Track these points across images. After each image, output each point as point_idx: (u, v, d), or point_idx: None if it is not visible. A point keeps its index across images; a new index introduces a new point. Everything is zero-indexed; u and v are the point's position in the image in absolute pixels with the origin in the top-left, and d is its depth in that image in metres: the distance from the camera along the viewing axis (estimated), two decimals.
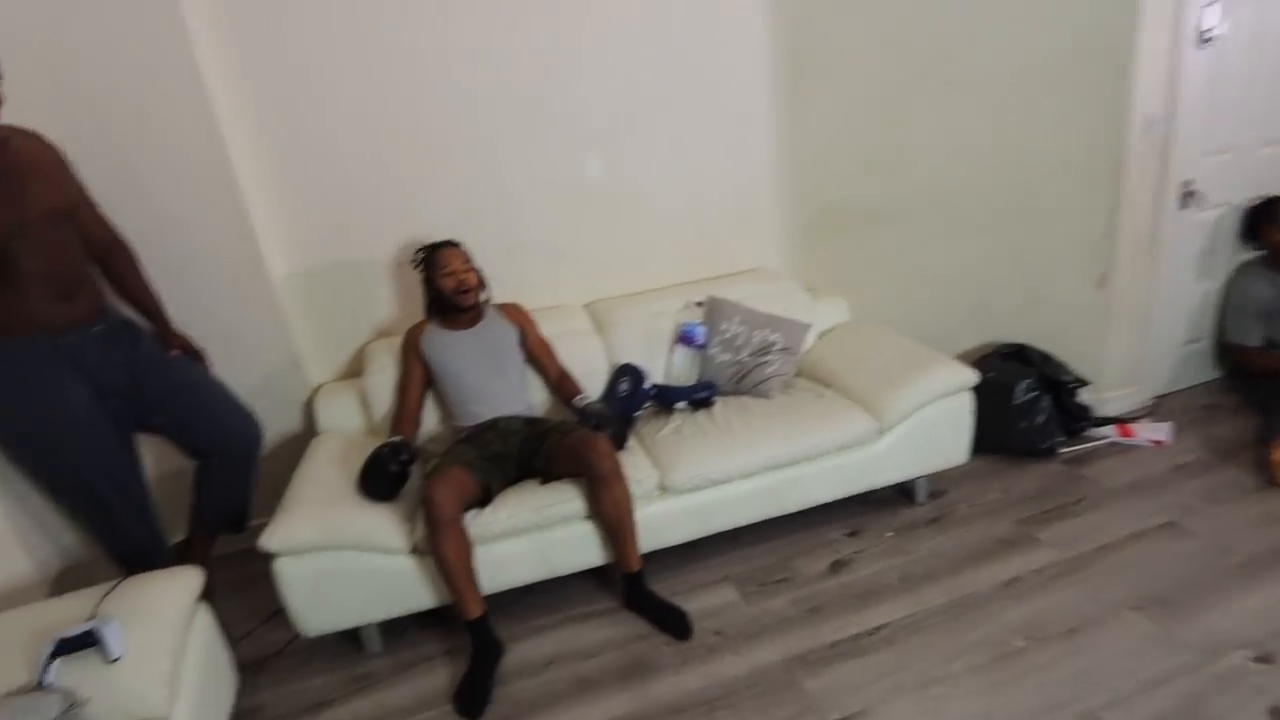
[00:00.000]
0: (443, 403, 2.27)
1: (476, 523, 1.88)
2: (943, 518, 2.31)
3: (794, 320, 2.54)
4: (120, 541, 1.90)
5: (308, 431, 2.47)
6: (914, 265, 2.90)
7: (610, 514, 1.91)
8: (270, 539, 1.74)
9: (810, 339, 2.59)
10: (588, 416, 2.09)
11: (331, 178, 2.35)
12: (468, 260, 2.23)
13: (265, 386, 2.38)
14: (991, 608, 1.89)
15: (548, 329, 2.41)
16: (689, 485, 2.04)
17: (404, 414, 2.18)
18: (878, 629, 1.86)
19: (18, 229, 1.61)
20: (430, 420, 2.30)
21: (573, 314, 2.61)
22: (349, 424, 2.35)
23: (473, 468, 1.92)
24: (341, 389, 2.42)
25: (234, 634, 2.02)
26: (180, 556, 2.10)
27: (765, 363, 2.43)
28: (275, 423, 2.44)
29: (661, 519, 2.05)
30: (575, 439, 1.95)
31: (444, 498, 1.78)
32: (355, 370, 2.54)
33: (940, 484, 2.44)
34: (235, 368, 2.24)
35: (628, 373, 2.37)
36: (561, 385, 2.29)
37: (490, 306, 2.32)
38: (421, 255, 2.25)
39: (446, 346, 2.21)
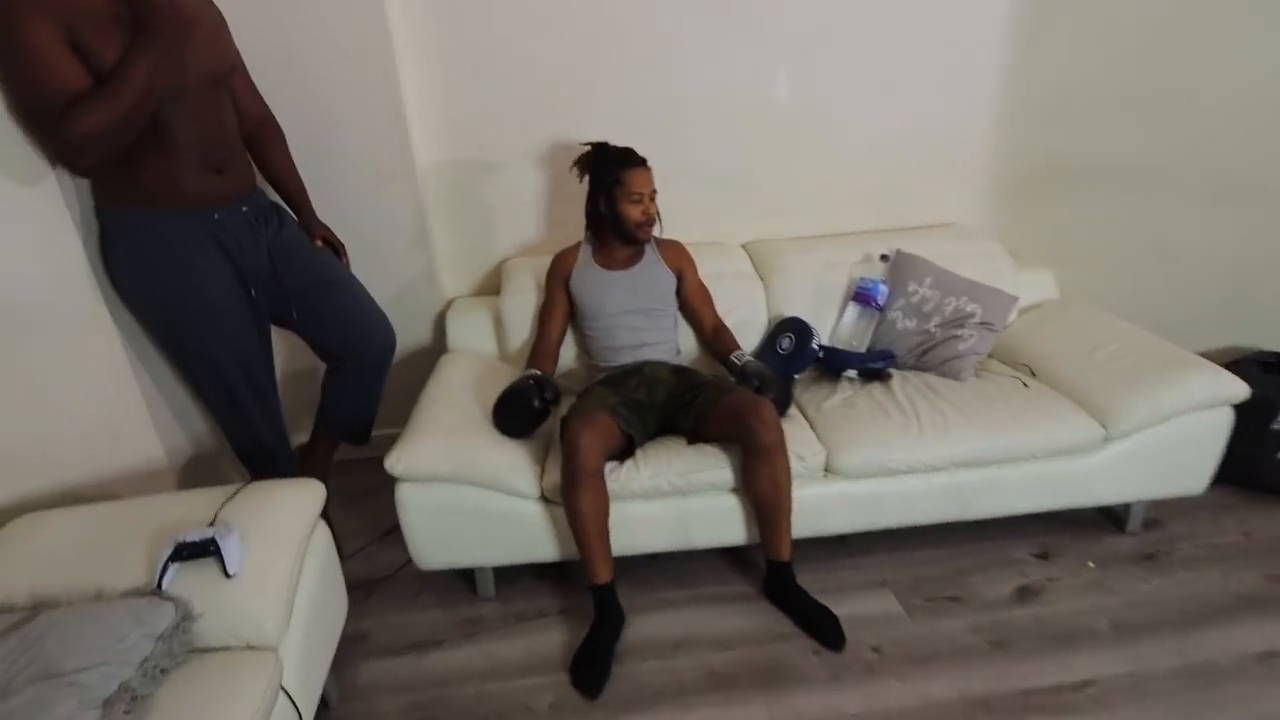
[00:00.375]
0: (583, 340, 2.04)
1: (615, 477, 1.65)
2: (1159, 555, 1.88)
3: (998, 290, 2.12)
4: (244, 435, 1.81)
5: (438, 345, 2.32)
6: (1151, 239, 2.36)
7: (767, 492, 1.63)
8: (397, 462, 1.58)
9: (1013, 315, 2.16)
10: (748, 376, 1.79)
11: (492, 71, 2.10)
12: (655, 190, 1.92)
13: (399, 293, 2.23)
14: (1240, 687, 1.49)
15: (702, 268, 2.12)
16: (861, 470, 1.72)
17: (543, 349, 1.97)
18: (1084, 684, 1.51)
19: (176, 91, 1.45)
20: (566, 355, 2.09)
21: (731, 254, 2.29)
22: (481, 345, 2.17)
23: (617, 415, 1.69)
24: (476, 306, 2.24)
25: (346, 549, 1.93)
26: (302, 459, 2.02)
27: (957, 337, 2.04)
28: (406, 333, 2.28)
29: (819, 504, 1.75)
30: (736, 401, 1.67)
31: (589, 445, 1.56)
32: (492, 287, 2.36)
33: (1157, 512, 2.00)
34: (371, 270, 2.07)
35: (792, 327, 2.05)
36: (717, 337, 2.00)
37: (651, 243, 2.03)
38: (592, 162, 1.92)
39: (599, 287, 1.95)
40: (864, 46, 2.20)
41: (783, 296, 2.18)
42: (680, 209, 2.27)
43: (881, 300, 2.13)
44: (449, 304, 2.32)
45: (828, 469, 1.74)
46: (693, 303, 2.03)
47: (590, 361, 2.01)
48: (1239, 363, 2.18)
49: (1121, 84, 2.23)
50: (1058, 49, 2.22)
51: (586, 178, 1.94)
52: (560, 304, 1.99)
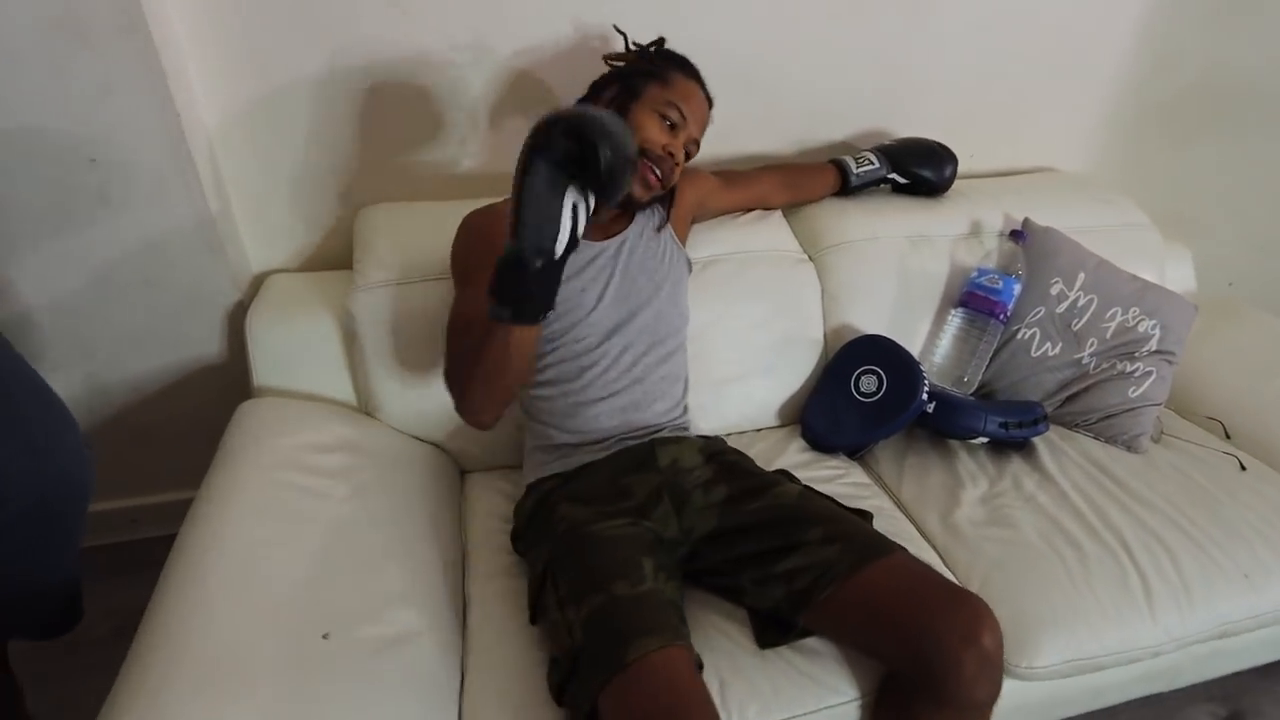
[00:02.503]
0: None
1: None
2: None
3: (1173, 295, 1.35)
4: None
5: (234, 369, 1.28)
6: None
7: None
8: None
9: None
10: None
11: None
12: (699, 140, 1.07)
13: (145, 266, 1.16)
14: None
15: (705, 237, 1.23)
16: (1054, 673, 0.94)
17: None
18: None
19: None
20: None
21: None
22: (317, 374, 1.16)
23: (680, 632, 0.79)
24: (305, 295, 1.21)
25: None
26: None
27: (1127, 375, 1.27)
28: (170, 346, 1.25)
29: None
30: (913, 587, 0.82)
31: None
32: (335, 255, 1.31)
33: None
34: (75, 238, 1.00)
35: (879, 359, 1.19)
36: (798, 183, 1.35)
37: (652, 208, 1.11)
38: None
39: (570, 273, 0.99)
40: None
41: (846, 293, 1.30)
42: None
43: (1011, 308, 1.30)
44: (256, 287, 1.27)
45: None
46: (737, 203, 1.30)
47: (543, 431, 1.05)
48: None
49: None
50: None
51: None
52: None
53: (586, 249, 1.01)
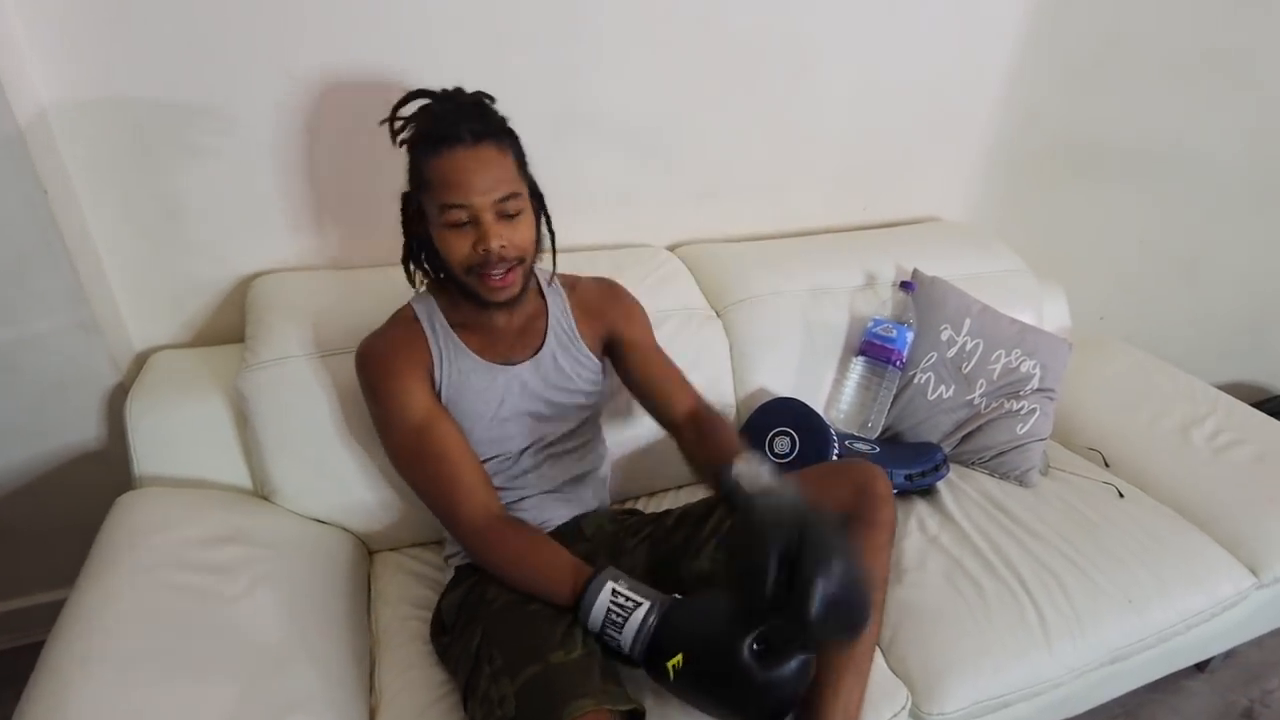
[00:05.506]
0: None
1: None
2: (1255, 711, 1.39)
3: (1050, 336, 1.46)
4: None
5: (114, 454, 1.18)
6: (1176, 248, 1.84)
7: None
8: None
9: None
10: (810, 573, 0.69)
11: None
12: (510, 179, 0.87)
13: (5, 351, 1.07)
14: None
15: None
16: (966, 713, 0.97)
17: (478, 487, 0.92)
18: None
19: None
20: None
21: (658, 266, 1.39)
22: (203, 460, 1.08)
23: (608, 689, 0.76)
24: (192, 372, 1.14)
25: None
26: None
27: (1014, 413, 1.35)
28: (33, 437, 1.16)
29: None
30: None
31: None
32: (225, 328, 1.25)
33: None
34: None
35: (789, 420, 1.23)
36: (700, 433, 0.98)
37: (554, 288, 1.05)
38: (395, 133, 0.90)
39: (481, 392, 0.96)
40: None
41: (751, 349, 1.33)
42: (573, 183, 1.33)
43: (906, 355, 1.37)
44: (139, 366, 1.19)
45: (914, 715, 0.97)
46: (651, 380, 1.06)
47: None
48: None
49: (1169, 46, 1.62)
50: None
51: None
52: (441, 416, 0.94)
53: (506, 377, 0.98)
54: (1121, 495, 1.28)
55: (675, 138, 1.41)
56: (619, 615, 0.77)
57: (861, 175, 1.64)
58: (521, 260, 0.89)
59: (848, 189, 1.65)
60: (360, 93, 1.14)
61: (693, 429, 0.99)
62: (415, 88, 0.90)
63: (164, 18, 1.02)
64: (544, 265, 1.00)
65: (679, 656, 0.72)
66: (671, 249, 1.50)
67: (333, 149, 1.17)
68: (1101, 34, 1.63)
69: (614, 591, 0.78)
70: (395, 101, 0.89)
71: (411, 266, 0.96)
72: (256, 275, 1.22)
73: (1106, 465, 1.40)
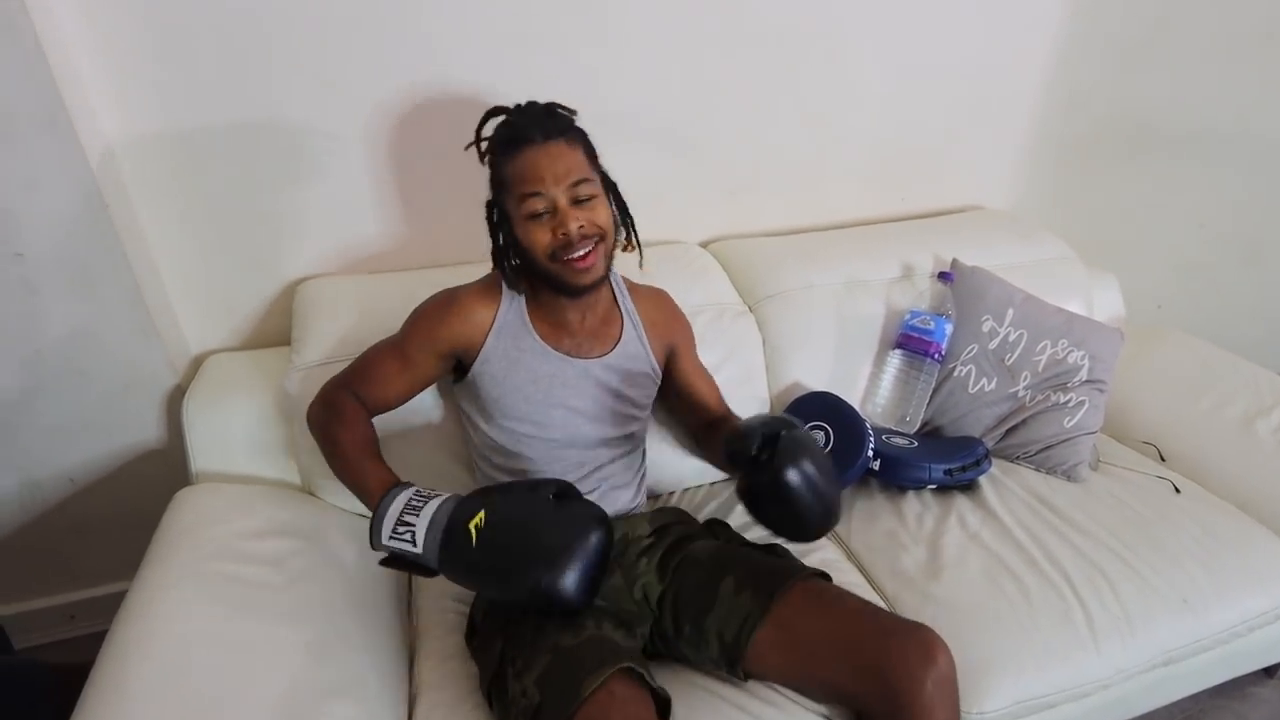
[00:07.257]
0: (479, 462, 1.06)
1: None
2: None
3: (1100, 325, 1.41)
4: None
5: (172, 451, 1.25)
6: (1236, 233, 1.75)
7: None
8: None
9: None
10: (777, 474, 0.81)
11: None
12: (580, 168, 0.91)
13: (76, 355, 1.14)
14: None
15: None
16: (1008, 715, 0.95)
17: (361, 410, 0.96)
18: None
19: None
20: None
21: (691, 261, 1.40)
22: (255, 457, 1.14)
23: (634, 673, 0.79)
24: (245, 376, 1.20)
25: None
26: None
27: (1061, 406, 1.31)
28: (104, 432, 1.22)
29: None
30: (825, 607, 0.87)
31: None
32: (274, 333, 1.31)
33: None
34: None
35: (824, 415, 1.21)
36: (713, 425, 1.10)
37: (620, 289, 1.07)
38: (481, 140, 0.95)
39: (537, 379, 0.98)
40: None
41: (784, 343, 1.32)
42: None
43: (945, 347, 1.34)
44: (196, 368, 1.25)
45: None
46: (691, 389, 1.10)
47: None
48: None
49: (1224, 23, 1.55)
50: None
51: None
52: (423, 373, 1.00)
53: (572, 365, 1.00)
54: (1178, 490, 1.23)
55: (706, 133, 1.41)
56: (418, 501, 0.79)
57: (898, 165, 1.61)
58: (602, 238, 0.92)
59: (884, 180, 1.62)
60: (399, 107, 1.18)
61: (717, 424, 1.05)
62: (493, 104, 0.95)
63: (215, 46, 1.08)
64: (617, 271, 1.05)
65: (480, 514, 0.76)
66: (704, 245, 1.50)
67: (372, 159, 1.21)
68: (1151, 11, 1.57)
69: (417, 492, 0.81)
70: (477, 122, 0.95)
71: (505, 267, 0.98)
72: (302, 280, 1.27)
73: (1162, 459, 1.34)
